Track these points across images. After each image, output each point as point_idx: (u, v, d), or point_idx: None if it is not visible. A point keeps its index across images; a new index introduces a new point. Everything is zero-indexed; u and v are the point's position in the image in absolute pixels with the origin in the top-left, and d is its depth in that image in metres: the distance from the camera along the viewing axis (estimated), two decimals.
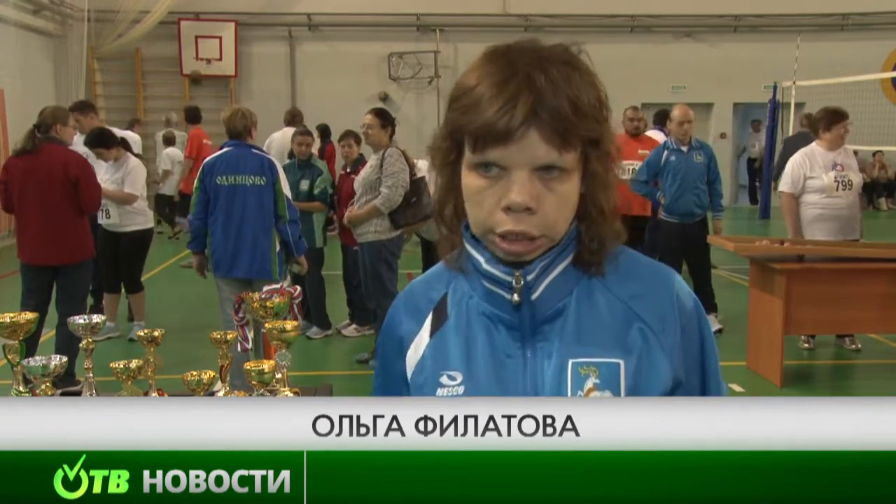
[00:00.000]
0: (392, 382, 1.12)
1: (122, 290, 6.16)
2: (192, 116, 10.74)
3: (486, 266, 1.01)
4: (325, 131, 10.69)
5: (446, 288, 1.09)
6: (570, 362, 0.99)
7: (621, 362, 0.99)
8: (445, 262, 1.08)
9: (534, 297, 1.00)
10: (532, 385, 1.00)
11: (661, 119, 8.16)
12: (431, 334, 1.07)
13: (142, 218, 6.08)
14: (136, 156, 6.51)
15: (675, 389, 1.01)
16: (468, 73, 0.96)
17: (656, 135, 7.71)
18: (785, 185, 5.51)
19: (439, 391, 1.03)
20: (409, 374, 1.08)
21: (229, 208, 4.54)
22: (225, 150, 4.67)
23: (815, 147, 5.52)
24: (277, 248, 4.67)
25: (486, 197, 0.95)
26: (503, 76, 0.92)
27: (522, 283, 0.99)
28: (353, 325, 6.33)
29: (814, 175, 5.39)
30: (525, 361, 1.01)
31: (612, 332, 1.01)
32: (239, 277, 4.61)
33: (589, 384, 0.98)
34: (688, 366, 1.03)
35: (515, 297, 1.00)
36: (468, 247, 1.03)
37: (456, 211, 1.03)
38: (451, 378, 1.03)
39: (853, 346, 5.80)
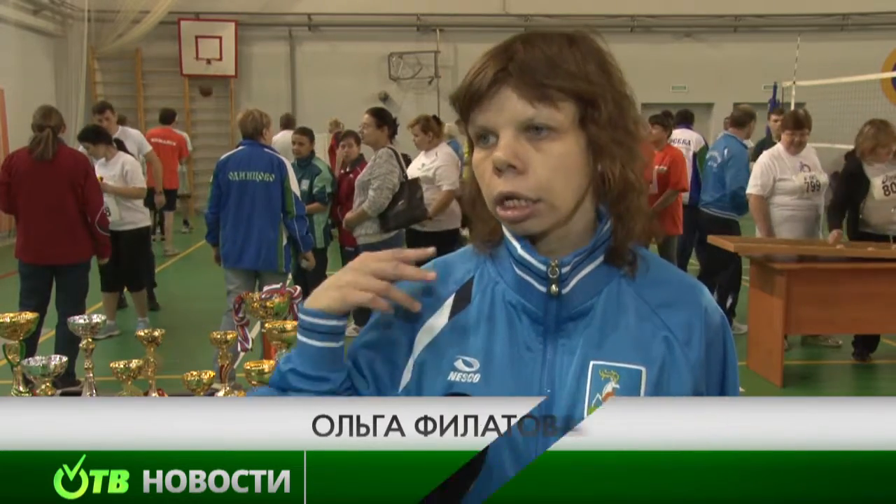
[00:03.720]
0: (381, 344, 1.05)
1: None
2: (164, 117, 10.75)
3: (521, 252, 0.98)
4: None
5: (474, 271, 1.06)
6: (592, 364, 0.97)
7: (643, 370, 0.97)
8: (475, 246, 1.06)
9: (564, 291, 0.98)
10: (549, 382, 0.97)
11: (686, 118, 8.19)
12: (451, 315, 1.04)
13: (140, 215, 6.16)
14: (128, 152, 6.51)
15: None
16: None
17: (684, 133, 7.77)
18: (754, 187, 5.50)
19: (453, 375, 1.00)
20: (415, 352, 1.03)
21: (239, 203, 4.78)
22: (238, 148, 4.94)
23: (780, 148, 5.54)
24: (284, 242, 4.89)
25: (485, 167, 0.95)
26: (488, 52, 0.94)
27: (559, 273, 0.97)
28: (353, 325, 6.33)
29: (784, 177, 5.40)
30: (545, 357, 0.99)
31: (637, 338, 0.99)
32: (246, 268, 4.83)
33: (608, 388, 0.96)
34: (709, 381, 1.02)
35: (554, 287, 0.98)
36: (507, 231, 1.01)
37: (482, 198, 1.00)
38: (468, 364, 1.00)
39: (833, 343, 5.90)
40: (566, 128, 0.92)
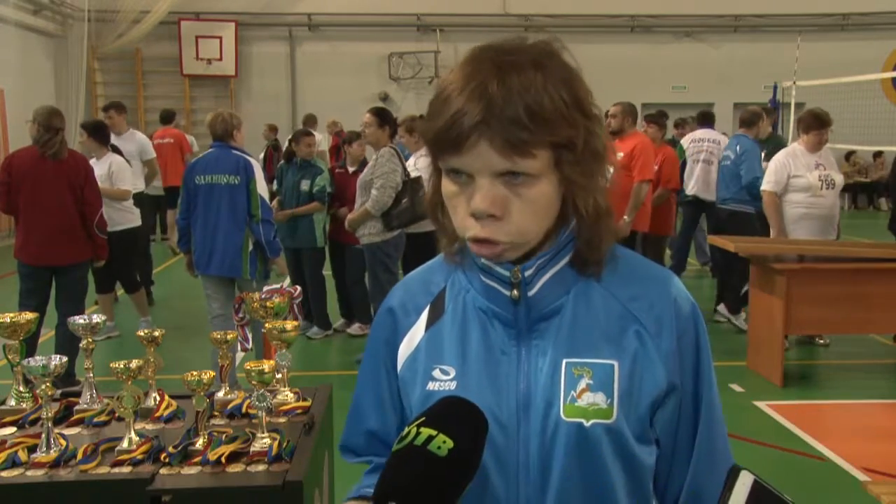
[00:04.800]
0: (379, 373, 1.11)
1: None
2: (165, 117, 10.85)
3: (485, 260, 0.99)
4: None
5: (445, 281, 1.08)
6: (564, 362, 0.98)
7: (616, 364, 0.98)
8: (444, 256, 1.08)
9: (531, 293, 0.99)
10: (525, 383, 0.99)
11: (706, 118, 8.22)
12: (427, 327, 1.06)
13: (129, 216, 6.10)
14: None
15: (670, 393, 1.00)
16: (447, 74, 0.96)
17: (709, 133, 7.78)
18: (768, 183, 5.54)
19: (430, 385, 1.02)
20: (399, 367, 1.07)
21: (206, 207, 4.60)
22: (208, 151, 4.75)
23: (796, 147, 5.56)
24: (250, 247, 4.67)
25: (458, 203, 0.95)
26: (460, 85, 0.91)
27: (521, 278, 0.98)
28: (358, 324, 6.31)
29: (798, 174, 5.42)
30: (519, 359, 1.00)
31: (607, 333, 1.00)
32: (212, 275, 4.65)
33: (582, 385, 0.97)
34: (683, 370, 1.02)
35: (515, 292, 0.99)
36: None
37: (445, 210, 1.01)
38: (444, 372, 1.02)
39: (821, 342, 5.93)
40: (542, 171, 0.92)
